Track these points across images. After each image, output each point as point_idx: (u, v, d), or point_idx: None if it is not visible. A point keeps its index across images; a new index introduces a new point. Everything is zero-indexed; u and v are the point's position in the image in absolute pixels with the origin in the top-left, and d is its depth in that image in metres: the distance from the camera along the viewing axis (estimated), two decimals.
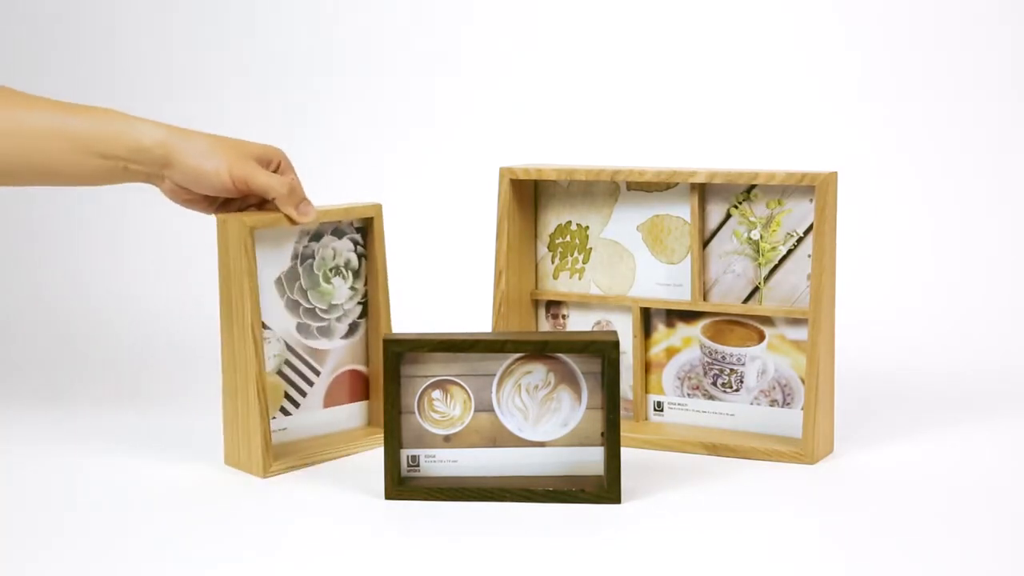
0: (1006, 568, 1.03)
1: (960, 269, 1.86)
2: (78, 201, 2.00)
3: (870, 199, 1.89)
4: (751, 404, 1.36)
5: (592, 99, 2.03)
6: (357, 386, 1.38)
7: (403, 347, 1.20)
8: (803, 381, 1.32)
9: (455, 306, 1.77)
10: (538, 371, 1.21)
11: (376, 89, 2.07)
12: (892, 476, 1.25)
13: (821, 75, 1.96)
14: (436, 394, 1.21)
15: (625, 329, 1.39)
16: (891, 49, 1.94)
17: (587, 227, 1.41)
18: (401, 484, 1.20)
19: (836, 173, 1.30)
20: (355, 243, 1.36)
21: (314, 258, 1.33)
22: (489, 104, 2.05)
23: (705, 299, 1.36)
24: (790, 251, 1.32)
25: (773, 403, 1.35)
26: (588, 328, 1.42)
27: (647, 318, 1.39)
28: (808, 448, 1.29)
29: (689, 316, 1.37)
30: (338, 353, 1.36)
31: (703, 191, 1.35)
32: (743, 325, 1.35)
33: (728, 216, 1.35)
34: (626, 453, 1.32)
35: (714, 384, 1.37)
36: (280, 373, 1.32)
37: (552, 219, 1.43)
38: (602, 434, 1.20)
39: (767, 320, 1.34)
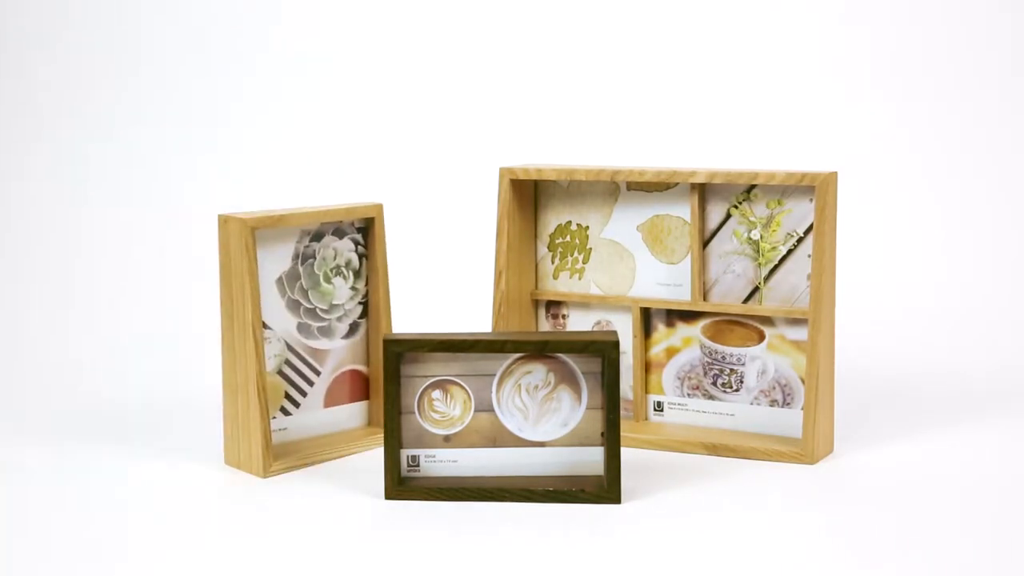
0: (1006, 567, 1.03)
1: (960, 269, 1.87)
2: (77, 200, 2.00)
3: (870, 199, 1.89)
4: (751, 404, 1.36)
5: (592, 99, 2.03)
6: (357, 386, 1.38)
7: (403, 347, 1.20)
8: (803, 381, 1.32)
9: (455, 306, 1.77)
10: (538, 371, 1.21)
11: (376, 89, 2.07)
12: (892, 476, 1.25)
13: (821, 75, 1.96)
14: (436, 394, 1.21)
15: (625, 329, 1.39)
16: (891, 49, 1.94)
17: (587, 227, 1.41)
18: (401, 484, 1.20)
19: (836, 173, 1.31)
20: (356, 243, 1.36)
21: (315, 258, 1.33)
22: (489, 104, 2.05)
23: (705, 299, 1.36)
24: (790, 251, 1.32)
25: (773, 403, 1.35)
26: (588, 328, 1.42)
27: (647, 318, 1.39)
28: (808, 448, 1.29)
29: (689, 316, 1.37)
30: (338, 353, 1.36)
31: (703, 191, 1.35)
32: (743, 325, 1.35)
33: (728, 216, 1.35)
34: (626, 453, 1.32)
35: (714, 384, 1.37)
36: (280, 373, 1.32)
37: (552, 219, 1.43)
38: (602, 434, 1.20)
39: (767, 320, 1.34)
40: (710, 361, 1.37)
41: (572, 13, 2.04)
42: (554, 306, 1.44)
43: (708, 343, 1.37)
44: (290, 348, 1.33)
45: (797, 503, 1.19)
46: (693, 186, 1.34)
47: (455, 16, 2.07)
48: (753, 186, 1.33)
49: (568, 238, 1.42)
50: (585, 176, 1.38)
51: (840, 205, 1.34)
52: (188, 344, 1.71)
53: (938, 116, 1.90)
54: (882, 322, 1.77)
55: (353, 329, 1.37)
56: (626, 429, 1.36)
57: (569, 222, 1.42)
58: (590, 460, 1.21)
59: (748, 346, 1.35)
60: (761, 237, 1.33)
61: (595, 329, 1.42)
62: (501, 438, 1.21)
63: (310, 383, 1.34)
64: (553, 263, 1.43)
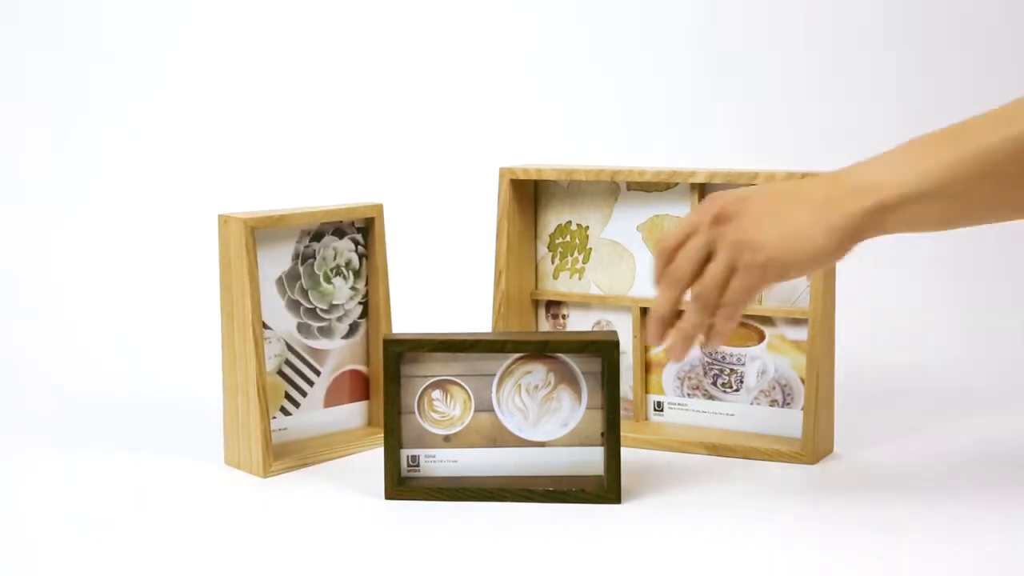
0: (1006, 568, 1.03)
1: (960, 268, 1.86)
2: (77, 200, 2.00)
3: None
4: (751, 404, 1.36)
5: (592, 99, 2.03)
6: (357, 386, 1.38)
7: (403, 347, 1.20)
8: (803, 381, 1.32)
9: (455, 306, 1.77)
10: (538, 371, 1.21)
11: (377, 89, 2.07)
12: (892, 476, 1.25)
13: (821, 75, 1.96)
14: (436, 394, 1.21)
15: (625, 329, 1.39)
16: (891, 49, 1.94)
17: (587, 227, 1.41)
18: (401, 484, 1.20)
19: None
20: (356, 243, 1.36)
21: (315, 258, 1.33)
22: (489, 104, 2.05)
23: None
24: None
25: (773, 403, 1.35)
26: (588, 328, 1.42)
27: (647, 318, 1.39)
28: (808, 448, 1.29)
29: None
30: (338, 353, 1.36)
31: (703, 191, 1.35)
32: (743, 325, 1.35)
33: None
34: (626, 453, 1.32)
35: (714, 384, 1.37)
36: (280, 373, 1.32)
37: (552, 219, 1.43)
38: (602, 434, 1.20)
39: (767, 320, 1.34)
40: (710, 361, 1.37)
41: (572, 13, 2.04)
42: (554, 306, 1.44)
43: None
44: (290, 348, 1.33)
45: (797, 503, 1.18)
46: (693, 186, 1.34)
47: (455, 16, 2.07)
48: (753, 186, 1.33)
49: (568, 238, 1.42)
50: (585, 176, 1.38)
51: None
52: (188, 344, 1.71)
53: (938, 116, 1.90)
54: (882, 322, 1.77)
55: (353, 329, 1.37)
56: (626, 429, 1.36)
57: (569, 222, 1.42)
58: (590, 460, 1.21)
59: (748, 346, 1.35)
60: None
61: (595, 329, 1.42)
62: (501, 438, 1.21)
63: (310, 383, 1.34)
64: (553, 263, 1.43)
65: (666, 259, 1.10)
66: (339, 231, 1.35)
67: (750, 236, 1.06)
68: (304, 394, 1.34)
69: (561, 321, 1.44)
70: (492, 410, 1.21)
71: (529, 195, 1.43)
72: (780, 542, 1.09)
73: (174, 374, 1.63)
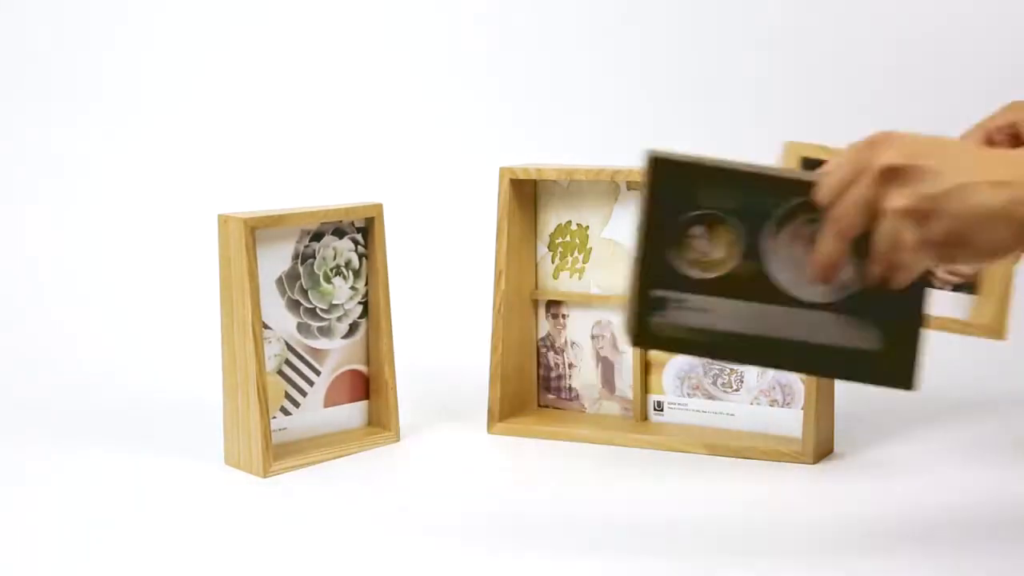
0: (1006, 568, 1.03)
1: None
2: (76, 199, 2.00)
3: None
4: (751, 404, 1.36)
5: (592, 99, 2.03)
6: (357, 386, 1.38)
7: (672, 169, 1.01)
8: (803, 381, 1.32)
9: (455, 306, 1.77)
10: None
11: (377, 89, 2.07)
12: (892, 476, 1.25)
13: (821, 75, 1.96)
14: (698, 230, 1.01)
15: None
16: (891, 49, 1.94)
17: (587, 227, 1.41)
18: (645, 327, 1.00)
19: None
20: (356, 243, 1.36)
21: (315, 258, 1.33)
22: (489, 104, 2.05)
23: None
24: None
25: (773, 403, 1.35)
26: (588, 327, 1.42)
27: None
28: (808, 448, 1.29)
29: None
30: (338, 353, 1.36)
31: None
32: None
33: None
34: (626, 453, 1.32)
35: (714, 384, 1.37)
36: (280, 373, 1.32)
37: (552, 219, 1.43)
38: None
39: None
40: (710, 361, 1.37)
41: (572, 13, 2.04)
42: (554, 306, 1.44)
43: None
44: (290, 348, 1.33)
45: (797, 503, 1.18)
46: None
47: (455, 16, 2.07)
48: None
49: (568, 238, 1.42)
50: (585, 176, 1.38)
51: None
52: (188, 344, 1.71)
53: (938, 116, 1.90)
54: None
55: (353, 329, 1.37)
56: (626, 429, 1.36)
57: (569, 222, 1.42)
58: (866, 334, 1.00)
59: None
60: None
61: (593, 331, 1.42)
62: (767, 293, 1.00)
63: (310, 383, 1.34)
64: (553, 263, 1.43)
65: (828, 201, 0.95)
66: (339, 231, 1.35)
67: (946, 226, 0.90)
68: (304, 394, 1.34)
69: (561, 321, 1.44)
70: (761, 259, 1.01)
71: (529, 195, 1.43)
72: (780, 542, 1.09)
73: (174, 374, 1.63)
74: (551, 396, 1.45)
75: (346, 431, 1.37)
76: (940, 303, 1.33)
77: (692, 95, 2.00)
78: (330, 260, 1.34)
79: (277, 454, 1.29)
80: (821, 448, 1.30)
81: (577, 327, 1.43)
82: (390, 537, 1.12)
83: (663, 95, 2.00)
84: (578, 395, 1.44)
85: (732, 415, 1.37)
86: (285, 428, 1.33)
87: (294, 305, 1.32)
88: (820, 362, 1.00)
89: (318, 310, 1.34)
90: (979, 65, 1.92)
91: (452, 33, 2.07)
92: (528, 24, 2.05)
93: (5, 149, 2.02)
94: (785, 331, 1.00)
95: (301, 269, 1.32)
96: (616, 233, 1.40)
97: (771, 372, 1.34)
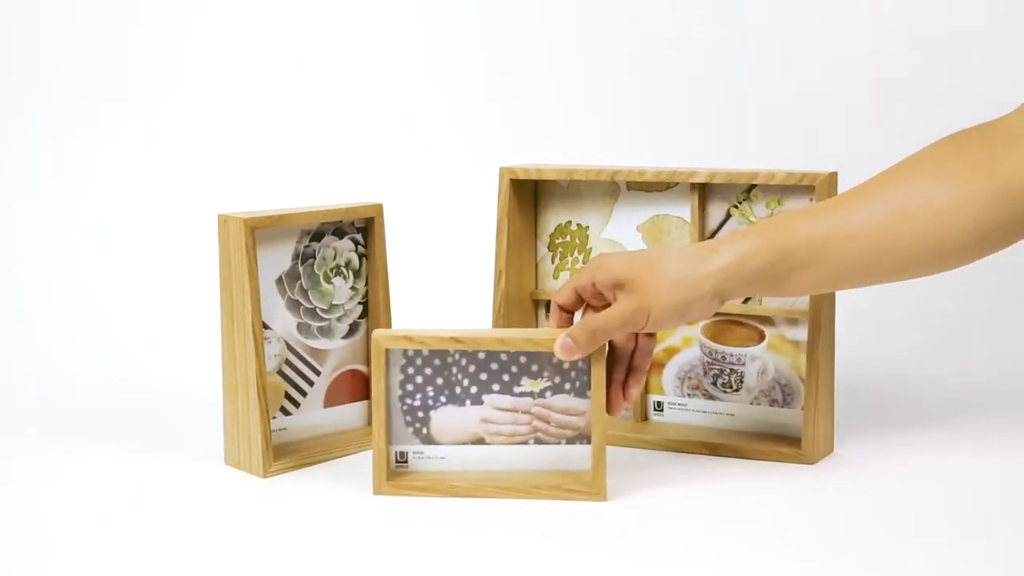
0: (1006, 568, 1.03)
1: (960, 267, 1.86)
2: (77, 199, 2.00)
3: None
4: (751, 404, 1.36)
5: (592, 99, 2.03)
6: (357, 386, 1.38)
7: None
8: (803, 381, 1.32)
9: (455, 306, 1.77)
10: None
11: (377, 89, 2.07)
12: (892, 476, 1.25)
13: (821, 75, 1.96)
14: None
15: None
16: (891, 48, 1.94)
17: (587, 227, 1.41)
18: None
19: (836, 173, 1.31)
20: (356, 243, 1.36)
21: (315, 258, 1.33)
22: (489, 104, 2.05)
23: None
24: None
25: (773, 403, 1.35)
26: None
27: None
28: (808, 448, 1.29)
29: None
30: (338, 353, 1.36)
31: (703, 191, 1.35)
32: (743, 325, 1.35)
33: (728, 216, 1.35)
34: (626, 453, 1.32)
35: (714, 384, 1.37)
36: (280, 373, 1.32)
37: (552, 219, 1.43)
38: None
39: (767, 320, 1.34)
40: (710, 361, 1.37)
41: (572, 13, 2.04)
42: None
43: (708, 343, 1.37)
44: (290, 348, 1.33)
45: (797, 503, 1.19)
46: (693, 186, 1.34)
47: (455, 16, 2.07)
48: (753, 186, 1.33)
49: (568, 238, 1.42)
50: (585, 176, 1.38)
51: None
52: (188, 344, 1.71)
53: (938, 116, 1.90)
54: (882, 322, 1.77)
55: (353, 329, 1.37)
56: (626, 429, 1.36)
57: (569, 222, 1.42)
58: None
59: (748, 346, 1.35)
60: None
61: None
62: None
63: (310, 383, 1.34)
64: (553, 263, 1.43)
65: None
66: (339, 231, 1.35)
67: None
68: (304, 394, 1.34)
69: None
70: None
71: (529, 195, 1.43)
72: (780, 542, 1.09)
73: (174, 374, 1.63)
74: None
75: (346, 431, 1.37)
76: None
77: (692, 95, 2.00)
78: (330, 260, 1.34)
79: (277, 454, 1.29)
80: (821, 448, 1.30)
81: None
82: (390, 537, 1.12)
83: (663, 95, 2.00)
84: None
85: (732, 415, 1.37)
86: (285, 428, 1.33)
87: (294, 305, 1.32)
88: None
89: (318, 310, 1.34)
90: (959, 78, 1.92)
91: (452, 33, 2.07)
92: (528, 24, 2.05)
93: (5, 149, 2.02)
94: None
95: (301, 269, 1.33)
96: (616, 233, 1.40)
97: (771, 372, 1.34)
